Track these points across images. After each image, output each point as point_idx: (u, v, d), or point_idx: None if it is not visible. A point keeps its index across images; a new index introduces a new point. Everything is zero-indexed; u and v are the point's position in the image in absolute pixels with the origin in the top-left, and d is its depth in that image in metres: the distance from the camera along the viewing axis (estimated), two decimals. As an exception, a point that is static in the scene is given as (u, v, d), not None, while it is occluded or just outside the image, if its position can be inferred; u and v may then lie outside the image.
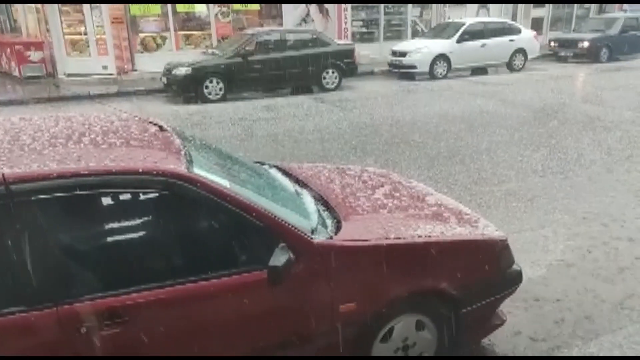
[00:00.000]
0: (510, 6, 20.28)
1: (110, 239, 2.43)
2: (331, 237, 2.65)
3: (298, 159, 6.40)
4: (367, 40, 17.93)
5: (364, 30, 18.15)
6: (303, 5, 16.52)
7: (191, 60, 11.96)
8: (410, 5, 18.25)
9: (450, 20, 16.80)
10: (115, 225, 2.42)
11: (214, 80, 11.67)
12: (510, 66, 15.77)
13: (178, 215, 2.47)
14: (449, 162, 7.04)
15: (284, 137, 8.50)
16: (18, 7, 16.53)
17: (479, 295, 2.93)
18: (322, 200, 3.15)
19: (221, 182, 2.51)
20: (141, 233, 2.47)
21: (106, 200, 2.34)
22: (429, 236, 2.83)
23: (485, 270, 2.94)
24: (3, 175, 2.06)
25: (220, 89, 11.74)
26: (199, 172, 2.45)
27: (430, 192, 3.61)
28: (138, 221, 2.48)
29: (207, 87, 11.61)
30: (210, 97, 11.64)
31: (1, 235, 2.05)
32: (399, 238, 2.74)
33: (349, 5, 17.03)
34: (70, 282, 2.17)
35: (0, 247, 2.07)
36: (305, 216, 2.81)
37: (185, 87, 11.63)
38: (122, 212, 2.42)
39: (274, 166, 3.74)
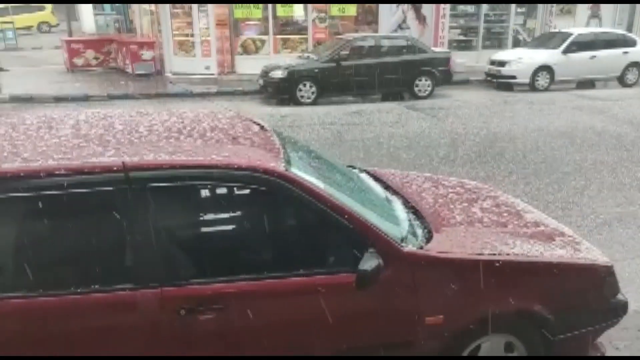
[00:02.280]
0: (625, 16, 18.86)
1: (210, 229, 2.56)
2: (421, 247, 2.61)
3: (386, 165, 6.36)
4: (464, 48, 17.46)
5: (462, 37, 17.70)
6: (400, 12, 16.43)
7: (287, 64, 12.30)
8: (512, 14, 17.55)
9: (556, 30, 15.93)
10: (216, 216, 2.55)
11: (307, 84, 11.91)
12: (622, 80, 14.65)
13: (274, 212, 2.55)
14: (547, 178, 6.67)
15: (372, 143, 8.49)
16: (135, 10, 17.91)
17: (578, 323, 2.75)
18: (413, 209, 3.11)
19: (316, 182, 2.56)
20: (239, 226, 2.59)
21: (210, 193, 2.47)
22: (527, 255, 2.71)
23: (587, 297, 2.76)
24: (124, 163, 2.25)
25: (313, 93, 11.96)
26: (296, 171, 2.52)
27: (530, 209, 3.45)
28: (237, 215, 2.60)
29: (300, 90, 11.88)
30: (303, 100, 11.90)
31: (117, 217, 2.24)
32: (494, 254, 2.65)
33: (447, 13, 16.71)
34: (174, 266, 2.32)
35: (115, 228, 2.26)
36: (395, 223, 2.79)
37: (280, 90, 11.98)
38: (223, 205, 2.55)
39: (365, 171, 3.76)
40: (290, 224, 2.62)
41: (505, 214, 3.22)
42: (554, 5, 17.79)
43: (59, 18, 28.01)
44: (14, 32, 21.97)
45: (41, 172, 2.18)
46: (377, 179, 3.58)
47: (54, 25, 29.03)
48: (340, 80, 12.04)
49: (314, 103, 11.89)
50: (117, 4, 20.13)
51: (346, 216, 2.45)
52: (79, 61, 16.08)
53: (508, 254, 2.68)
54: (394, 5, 16.27)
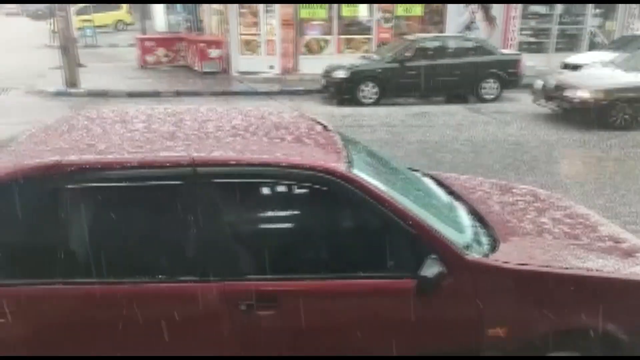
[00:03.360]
0: None
1: (272, 226, 2.59)
2: (486, 256, 2.53)
3: (448, 169, 6.21)
4: (535, 50, 16.75)
5: (532, 39, 17.01)
6: (468, 12, 16.02)
7: (350, 64, 12.28)
8: (589, 15, 16.68)
9: (638, 33, 14.99)
10: (278, 214, 2.58)
11: (370, 84, 11.84)
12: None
13: (335, 213, 2.54)
14: (623, 190, 6.29)
15: (435, 146, 8.33)
16: (205, 9, 18.48)
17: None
18: (478, 216, 3.01)
19: (378, 184, 2.53)
20: (300, 225, 2.60)
21: (273, 191, 2.50)
22: (600, 270, 2.55)
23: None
24: (193, 158, 2.32)
25: (375, 93, 11.88)
26: (358, 172, 2.50)
27: (606, 222, 3.26)
28: (298, 213, 2.61)
29: (362, 90, 11.83)
30: (365, 100, 11.84)
31: (184, 211, 2.31)
32: (564, 267, 2.52)
33: (518, 14, 16.12)
34: (236, 261, 2.36)
35: (181, 221, 2.33)
36: (459, 230, 2.71)
37: (342, 90, 11.97)
38: (285, 203, 2.57)
39: (428, 175, 3.68)
40: (350, 225, 2.61)
41: (578, 226, 3.06)
42: (636, 6, 16.74)
43: (134, 17, 29.39)
44: (92, 30, 23.22)
45: (115, 165, 2.28)
46: (440, 183, 3.49)
47: (129, 24, 30.46)
48: (404, 81, 11.88)
49: (376, 104, 11.81)
50: (188, 4, 20.85)
51: (408, 220, 2.41)
52: (150, 58, 16.78)
53: (580, 268, 2.54)
54: (462, 6, 15.89)
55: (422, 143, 8.49)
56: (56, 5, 12.79)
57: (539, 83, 10.73)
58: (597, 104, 9.35)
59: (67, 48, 12.55)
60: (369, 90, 11.86)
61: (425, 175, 3.64)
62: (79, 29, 21.56)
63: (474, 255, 2.49)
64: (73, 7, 19.07)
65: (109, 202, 2.35)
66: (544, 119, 10.29)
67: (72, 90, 12.51)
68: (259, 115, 3.02)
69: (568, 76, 10.82)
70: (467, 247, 2.53)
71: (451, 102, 12.32)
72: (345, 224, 2.61)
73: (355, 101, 11.81)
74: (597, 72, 10.80)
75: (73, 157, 2.30)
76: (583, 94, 9.52)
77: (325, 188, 2.41)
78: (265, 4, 14.99)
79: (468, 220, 2.91)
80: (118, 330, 2.26)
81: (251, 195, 2.46)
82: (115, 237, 2.34)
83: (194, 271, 2.31)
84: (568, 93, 9.71)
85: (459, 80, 12.13)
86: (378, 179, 2.63)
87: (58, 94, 12.33)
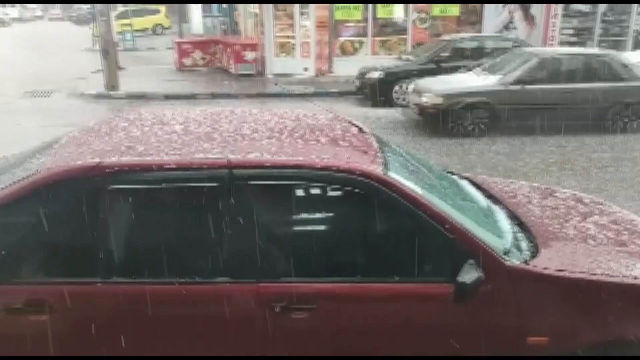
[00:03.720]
0: None
1: (306, 228, 2.58)
2: (526, 262, 2.45)
3: (486, 172, 6.09)
4: (576, 50, 16.28)
5: (574, 39, 16.51)
6: (506, 12, 15.70)
7: (384, 65, 12.20)
8: (634, 13, 16.08)
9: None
10: (313, 216, 2.57)
11: (404, 86, 11.73)
12: None
13: (370, 216, 2.51)
14: None
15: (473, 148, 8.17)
16: (240, 12, 18.70)
17: None
18: (517, 221, 2.93)
19: (414, 188, 2.49)
20: (335, 228, 2.58)
21: (307, 193, 2.49)
22: None
23: None
24: (229, 160, 2.34)
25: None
26: (394, 175, 2.47)
27: None
28: (333, 216, 2.59)
29: (396, 91, 11.74)
30: (399, 101, 11.74)
31: (220, 213, 2.32)
32: (610, 275, 2.42)
33: (559, 13, 15.68)
34: (271, 263, 2.37)
35: (217, 222, 2.34)
36: (497, 235, 2.64)
37: (376, 91, 11.90)
38: (320, 206, 2.56)
39: (465, 177, 3.61)
40: (386, 228, 2.57)
41: (624, 232, 2.93)
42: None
43: (172, 20, 30.02)
44: (132, 34, 23.83)
45: (153, 166, 2.32)
46: (478, 186, 3.42)
47: (167, 28, 31.15)
48: (439, 81, 11.71)
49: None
50: (224, 6, 21.16)
51: (446, 224, 2.36)
52: (187, 61, 17.09)
53: (626, 276, 2.44)
54: (500, 5, 15.58)
55: (460, 145, 8.34)
56: (98, 10, 13.16)
57: (410, 87, 10.11)
58: (437, 110, 8.74)
59: (108, 52, 12.90)
60: (401, 91, 11.74)
61: (462, 177, 3.57)
62: (119, 33, 22.15)
63: (514, 261, 2.42)
64: (114, 12, 19.61)
65: (146, 203, 2.39)
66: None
67: (112, 92, 12.85)
68: (294, 117, 3.02)
69: (426, 81, 9.89)
70: (506, 252, 2.47)
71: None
72: (381, 227, 2.57)
73: (390, 102, 11.72)
74: (454, 77, 10.03)
75: (113, 159, 2.34)
76: (425, 99, 8.92)
77: (360, 191, 2.38)
78: (300, 6, 15.05)
79: (507, 225, 2.83)
80: (152, 329, 2.30)
81: (286, 197, 2.46)
82: (152, 238, 2.38)
83: (229, 272, 2.32)
84: (422, 98, 9.04)
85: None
86: (414, 182, 2.59)
87: (99, 97, 12.69)
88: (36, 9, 57.45)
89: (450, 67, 11.66)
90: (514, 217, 2.97)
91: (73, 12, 44.69)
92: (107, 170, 2.29)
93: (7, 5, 48.50)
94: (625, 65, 9.03)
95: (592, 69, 8.99)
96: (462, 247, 2.36)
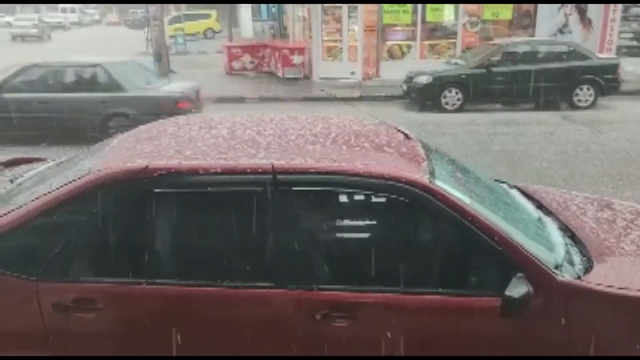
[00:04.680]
0: None
1: (350, 236, 2.55)
2: (579, 277, 2.34)
3: (537, 182, 5.87)
4: (636, 54, 15.57)
5: (634, 43, 15.79)
6: (561, 15, 15.16)
7: (433, 69, 12.02)
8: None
9: None
10: (356, 224, 2.54)
11: (453, 90, 11.52)
12: None
13: (414, 225, 2.46)
14: None
15: (522, 156, 7.92)
16: (289, 16, 18.89)
17: None
18: (570, 234, 2.80)
19: (461, 197, 2.42)
20: (378, 236, 2.54)
21: (350, 200, 2.46)
22: None
23: None
24: (272, 165, 2.34)
25: (459, 100, 11.54)
26: (440, 184, 2.41)
27: None
28: (377, 224, 2.55)
29: (445, 96, 11.54)
30: (447, 107, 11.54)
31: (263, 218, 2.33)
32: None
33: (617, 16, 15.02)
34: (313, 270, 2.35)
35: (260, 227, 2.35)
36: (548, 248, 2.53)
37: (424, 96, 11.75)
38: (363, 213, 2.52)
39: (515, 187, 3.48)
40: (430, 238, 2.51)
41: None
42: None
43: (222, 25, 30.67)
44: (183, 37, 24.51)
45: (199, 170, 2.35)
46: (529, 196, 3.29)
47: (218, 32, 31.86)
48: (489, 87, 11.44)
49: (460, 110, 11.46)
50: (273, 11, 21.42)
51: (494, 236, 2.28)
52: (236, 65, 17.40)
53: None
54: (555, 8, 15.07)
55: (508, 152, 8.10)
56: (151, 15, 13.60)
57: None
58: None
59: (160, 55, 13.32)
60: (452, 97, 11.54)
61: (512, 187, 3.45)
62: (172, 36, 22.81)
63: (565, 275, 2.32)
64: (167, 17, 20.20)
65: (192, 206, 2.42)
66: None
67: (164, 95, 13.21)
68: (340, 122, 3.00)
69: None
70: (558, 266, 2.36)
71: (541, 109, 11.69)
72: (426, 237, 2.52)
73: (437, 107, 11.54)
74: None
75: (160, 162, 2.39)
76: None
77: (405, 199, 2.34)
78: (349, 10, 15.06)
79: (559, 238, 2.71)
80: (194, 331, 2.32)
81: (329, 204, 2.44)
82: (196, 241, 2.41)
83: (271, 278, 2.32)
84: None
85: (550, 86, 11.47)
86: (462, 191, 2.52)
87: (151, 99, 13.08)
88: (94, 13, 60.10)
89: (501, 71, 11.39)
90: (566, 230, 2.84)
91: (128, 17, 46.39)
92: (154, 173, 2.33)
93: (67, 10, 50.93)
94: None
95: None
96: (510, 259, 2.28)
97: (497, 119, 10.69)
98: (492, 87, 11.43)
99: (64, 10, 50.76)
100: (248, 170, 2.35)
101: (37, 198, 2.38)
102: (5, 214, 2.38)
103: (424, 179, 2.37)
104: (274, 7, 22.10)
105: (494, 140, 8.90)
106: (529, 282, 2.19)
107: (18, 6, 54.38)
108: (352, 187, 2.38)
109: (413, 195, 2.32)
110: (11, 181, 3.02)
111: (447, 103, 11.56)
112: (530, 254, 2.30)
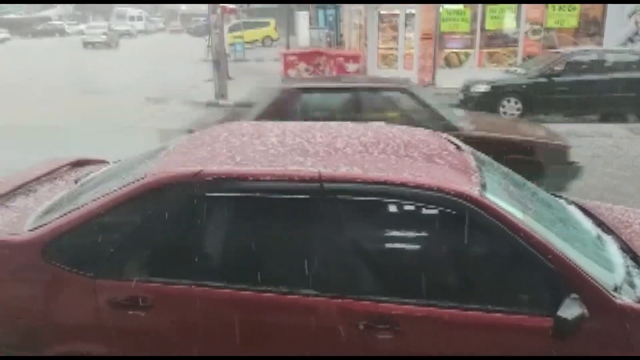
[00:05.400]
0: None
1: (394, 247, 2.52)
2: (640, 301, 2.21)
3: (599, 198, 5.59)
4: None
5: None
6: (632, 23, 14.41)
7: (491, 78, 11.73)
8: None
9: None
10: (401, 235, 2.50)
11: (512, 100, 11.18)
12: None
13: (463, 239, 2.40)
14: None
15: (584, 170, 7.55)
16: (345, 24, 19.01)
17: None
18: (632, 254, 2.65)
19: (514, 212, 2.35)
20: (423, 248, 2.50)
21: (398, 211, 2.43)
22: None
23: None
24: (320, 173, 2.35)
25: (518, 110, 11.18)
26: (492, 197, 2.35)
27: None
28: (423, 236, 2.51)
29: (503, 106, 11.22)
30: (506, 117, 11.20)
31: (310, 226, 2.34)
32: None
33: (696, 22, 14.12)
34: (357, 279, 2.34)
35: (305, 234, 2.36)
36: (607, 268, 2.41)
37: (482, 105, 11.43)
38: (409, 225, 2.48)
39: (573, 202, 3.33)
40: (480, 254, 2.44)
41: None
42: None
43: (280, 33, 31.24)
44: (242, 45, 25.12)
45: (249, 176, 2.40)
46: (588, 213, 3.14)
47: (275, 40, 32.46)
48: (551, 98, 11.02)
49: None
50: (330, 19, 21.62)
51: (547, 254, 2.20)
52: (292, 72, 17.62)
53: None
54: (624, 15, 14.35)
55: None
56: (212, 23, 14.02)
57: None
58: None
59: (219, 62, 13.69)
60: (511, 106, 11.20)
61: (570, 202, 3.31)
62: (231, 44, 23.42)
63: (625, 298, 2.20)
64: (227, 24, 20.78)
65: (241, 211, 2.47)
66: None
67: (222, 101, 13.59)
68: (390, 131, 2.98)
69: None
70: (617, 288, 2.24)
71: (607, 121, 11.13)
72: (475, 252, 2.45)
73: (495, 117, 11.24)
74: None
75: (212, 168, 2.45)
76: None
77: (454, 212, 2.29)
78: (405, 19, 14.97)
79: (620, 258, 2.57)
80: (237, 334, 2.35)
81: (376, 214, 2.42)
82: (243, 246, 2.45)
83: (315, 285, 2.32)
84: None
85: (617, 97, 10.91)
86: (515, 206, 2.44)
87: (209, 105, 13.47)
88: (159, 21, 62.93)
89: (564, 81, 10.95)
90: (628, 250, 2.68)
91: (191, 25, 48.10)
92: (206, 178, 2.40)
93: (135, 19, 53.53)
94: None
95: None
96: (564, 279, 2.19)
97: (558, 131, 10.26)
98: (554, 97, 11.01)
99: (131, 19, 53.35)
100: (295, 178, 2.37)
101: (97, 199, 2.50)
102: (67, 213, 2.51)
103: (475, 191, 2.32)
104: (331, 16, 22.32)
105: (554, 152, 8.54)
106: (584, 304, 2.10)
107: (90, 15, 57.66)
108: (399, 198, 2.35)
109: (462, 208, 2.27)
110: (75, 182, 3.18)
111: (505, 113, 11.22)
112: (586, 275, 2.20)
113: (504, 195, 2.50)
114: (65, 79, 18.30)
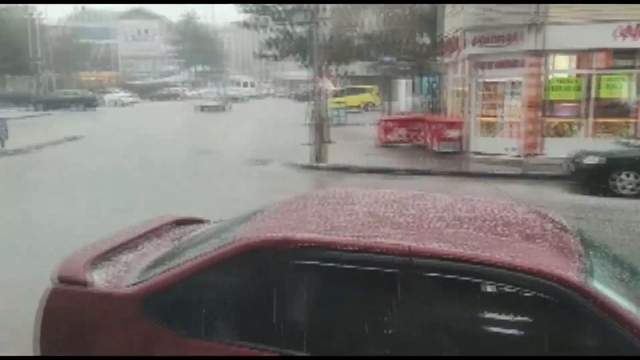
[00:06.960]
0: None
1: (484, 331, 2.33)
2: None
3: None
4: None
5: None
6: None
7: (606, 150, 10.96)
8: None
9: None
10: (492, 319, 2.32)
11: (631, 174, 10.31)
12: None
13: (562, 329, 2.17)
14: None
15: None
16: (447, 91, 19.03)
17: None
18: None
19: (624, 303, 2.09)
20: (514, 335, 2.28)
21: (490, 293, 2.26)
22: None
23: None
24: (409, 247, 2.28)
25: (637, 185, 10.27)
26: (598, 285, 2.13)
27: None
28: (517, 322, 2.29)
29: (621, 180, 10.36)
30: (622, 191, 10.32)
31: (395, 300, 2.25)
32: None
33: None
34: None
35: (392, 310, 2.27)
36: None
37: (593, 177, 10.68)
38: (501, 309, 2.29)
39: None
40: (581, 346, 2.18)
41: None
42: None
43: (381, 98, 31.96)
44: (344, 111, 25.98)
45: (337, 245, 2.38)
46: None
47: (377, 105, 33.24)
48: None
49: (637, 197, 10.16)
50: (434, 86, 21.77)
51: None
52: (390, 137, 17.79)
53: None
54: None
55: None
56: (317, 89, 14.71)
57: None
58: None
59: (320, 127, 14.20)
60: (628, 181, 10.32)
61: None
62: (334, 109, 24.31)
63: None
64: (329, 90, 21.68)
65: (326, 281, 2.44)
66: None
67: (320, 164, 13.98)
68: (486, 206, 2.85)
69: None
70: None
71: None
72: (575, 343, 2.19)
73: (609, 191, 10.38)
74: None
75: (299, 235, 2.48)
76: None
77: (553, 299, 2.10)
78: (512, 86, 14.67)
79: None
80: None
81: (466, 294, 2.27)
82: (328, 316, 2.40)
83: None
84: None
85: None
86: (626, 297, 2.19)
87: (307, 167, 13.92)
88: (269, 87, 68.11)
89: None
90: None
91: (298, 90, 51.17)
92: (293, 245, 2.42)
93: (248, 85, 58.37)
94: None
95: None
96: None
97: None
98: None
99: (245, 85, 58.52)
100: (383, 250, 2.32)
101: (192, 259, 2.61)
102: (164, 271, 2.64)
103: (578, 277, 2.12)
104: (434, 83, 22.47)
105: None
106: None
107: (208, 81, 63.65)
108: (493, 280, 2.20)
109: (563, 295, 2.08)
110: (175, 241, 3.36)
111: (623, 187, 10.35)
112: None
113: (613, 284, 2.27)
114: (181, 139, 20.02)
